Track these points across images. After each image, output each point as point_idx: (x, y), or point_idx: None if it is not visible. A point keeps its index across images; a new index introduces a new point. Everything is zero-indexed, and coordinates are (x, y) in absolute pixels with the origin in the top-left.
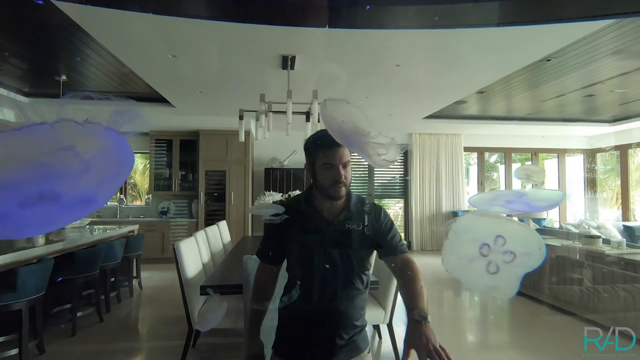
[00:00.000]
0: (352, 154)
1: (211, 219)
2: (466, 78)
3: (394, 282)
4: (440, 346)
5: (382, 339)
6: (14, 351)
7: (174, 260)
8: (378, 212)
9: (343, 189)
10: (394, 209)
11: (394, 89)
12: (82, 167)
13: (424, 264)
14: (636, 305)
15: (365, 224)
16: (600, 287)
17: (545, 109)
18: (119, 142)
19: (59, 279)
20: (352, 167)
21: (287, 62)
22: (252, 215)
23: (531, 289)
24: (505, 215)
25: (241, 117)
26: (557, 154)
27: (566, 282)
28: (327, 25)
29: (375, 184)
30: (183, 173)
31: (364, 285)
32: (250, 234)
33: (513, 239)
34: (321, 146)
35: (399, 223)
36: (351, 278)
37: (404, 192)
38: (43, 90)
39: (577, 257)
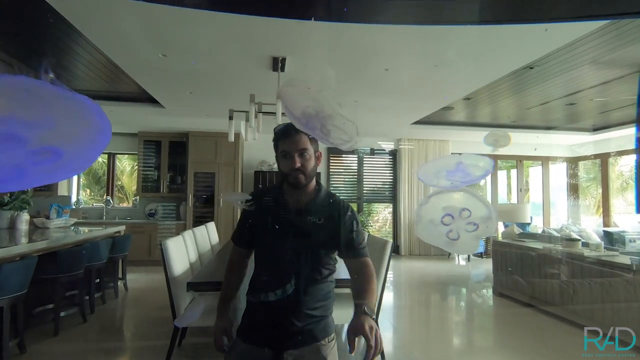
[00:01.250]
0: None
1: (200, 222)
2: (453, 84)
3: (380, 277)
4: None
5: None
6: None
7: (161, 259)
8: (344, 210)
9: (301, 177)
10: (383, 214)
11: (382, 93)
12: (47, 118)
13: (412, 268)
14: (611, 298)
15: (328, 218)
16: (576, 281)
17: (530, 117)
18: (91, 107)
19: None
20: (318, 161)
21: (278, 64)
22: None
23: (513, 290)
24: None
25: (231, 118)
26: (541, 162)
27: (546, 282)
28: (313, 18)
29: (365, 189)
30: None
31: (322, 277)
32: None
33: (478, 211)
34: (279, 135)
35: (387, 228)
36: (308, 268)
37: (393, 198)
38: None
39: (559, 257)
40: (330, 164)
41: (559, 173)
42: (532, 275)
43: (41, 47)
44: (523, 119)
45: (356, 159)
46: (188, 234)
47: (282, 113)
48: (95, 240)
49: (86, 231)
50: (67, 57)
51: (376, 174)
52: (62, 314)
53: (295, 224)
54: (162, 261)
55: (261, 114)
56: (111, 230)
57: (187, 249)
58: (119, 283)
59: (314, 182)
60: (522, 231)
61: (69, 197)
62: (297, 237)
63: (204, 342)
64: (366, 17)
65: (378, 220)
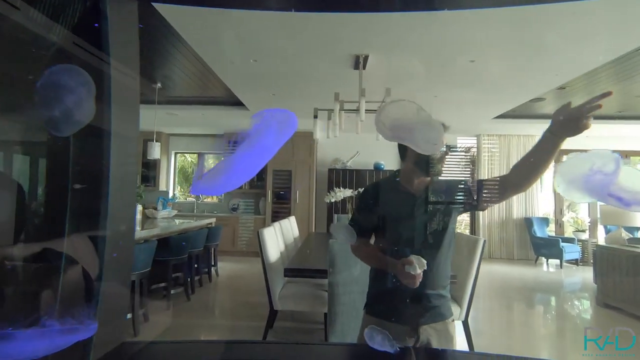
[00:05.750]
0: None
1: (277, 216)
2: (547, 73)
3: (471, 276)
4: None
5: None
6: (128, 315)
7: (258, 246)
8: (453, 182)
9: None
10: None
11: (465, 87)
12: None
13: (492, 271)
14: None
15: (445, 193)
16: None
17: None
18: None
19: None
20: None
21: (360, 62)
22: (316, 213)
23: (625, 301)
24: None
25: (316, 116)
26: None
27: None
28: (400, 10)
29: None
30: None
31: (448, 257)
32: (314, 231)
33: None
34: None
35: (463, 228)
36: (436, 247)
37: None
38: (141, 98)
39: None
40: None
41: None
42: None
43: (149, 55)
44: (632, 109)
45: None
46: (277, 225)
47: (365, 110)
48: (195, 230)
49: (182, 222)
50: (169, 64)
51: (451, 171)
52: (172, 292)
53: (420, 207)
54: (258, 249)
55: (343, 111)
56: (204, 221)
57: (277, 239)
58: (211, 269)
59: None
60: (631, 236)
61: (167, 192)
62: (424, 218)
63: (294, 326)
64: (449, 3)
65: None
